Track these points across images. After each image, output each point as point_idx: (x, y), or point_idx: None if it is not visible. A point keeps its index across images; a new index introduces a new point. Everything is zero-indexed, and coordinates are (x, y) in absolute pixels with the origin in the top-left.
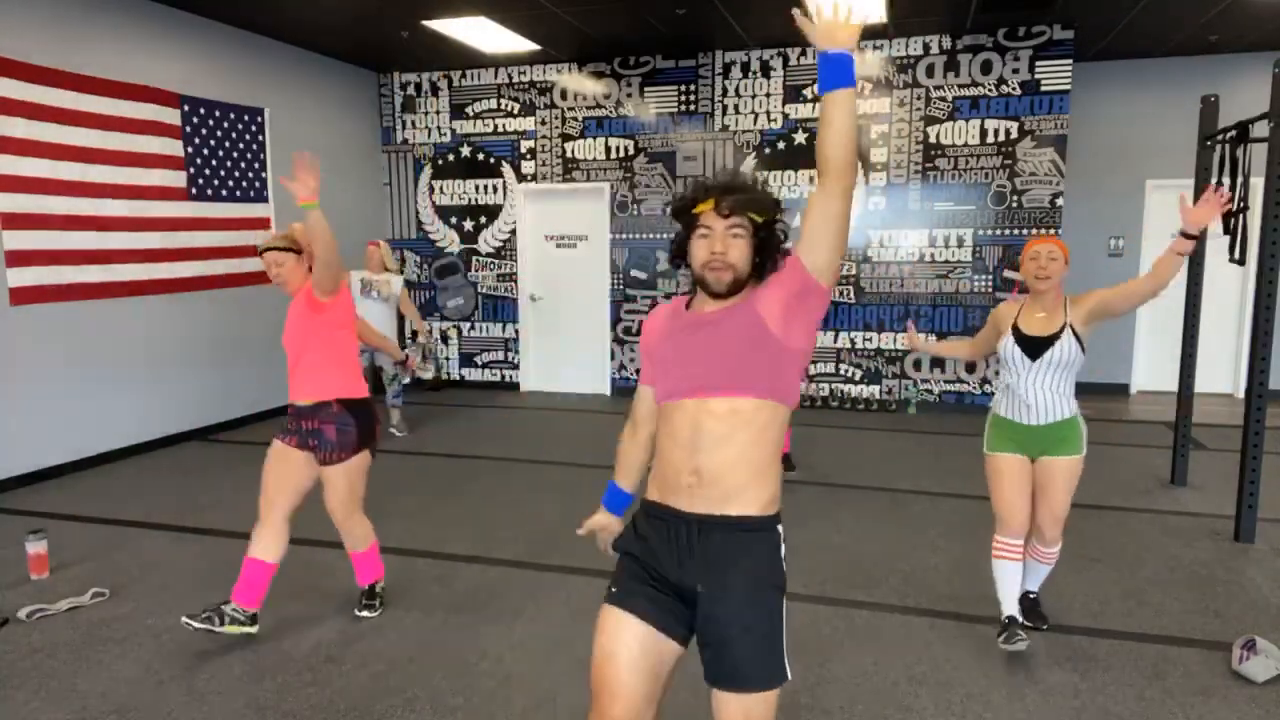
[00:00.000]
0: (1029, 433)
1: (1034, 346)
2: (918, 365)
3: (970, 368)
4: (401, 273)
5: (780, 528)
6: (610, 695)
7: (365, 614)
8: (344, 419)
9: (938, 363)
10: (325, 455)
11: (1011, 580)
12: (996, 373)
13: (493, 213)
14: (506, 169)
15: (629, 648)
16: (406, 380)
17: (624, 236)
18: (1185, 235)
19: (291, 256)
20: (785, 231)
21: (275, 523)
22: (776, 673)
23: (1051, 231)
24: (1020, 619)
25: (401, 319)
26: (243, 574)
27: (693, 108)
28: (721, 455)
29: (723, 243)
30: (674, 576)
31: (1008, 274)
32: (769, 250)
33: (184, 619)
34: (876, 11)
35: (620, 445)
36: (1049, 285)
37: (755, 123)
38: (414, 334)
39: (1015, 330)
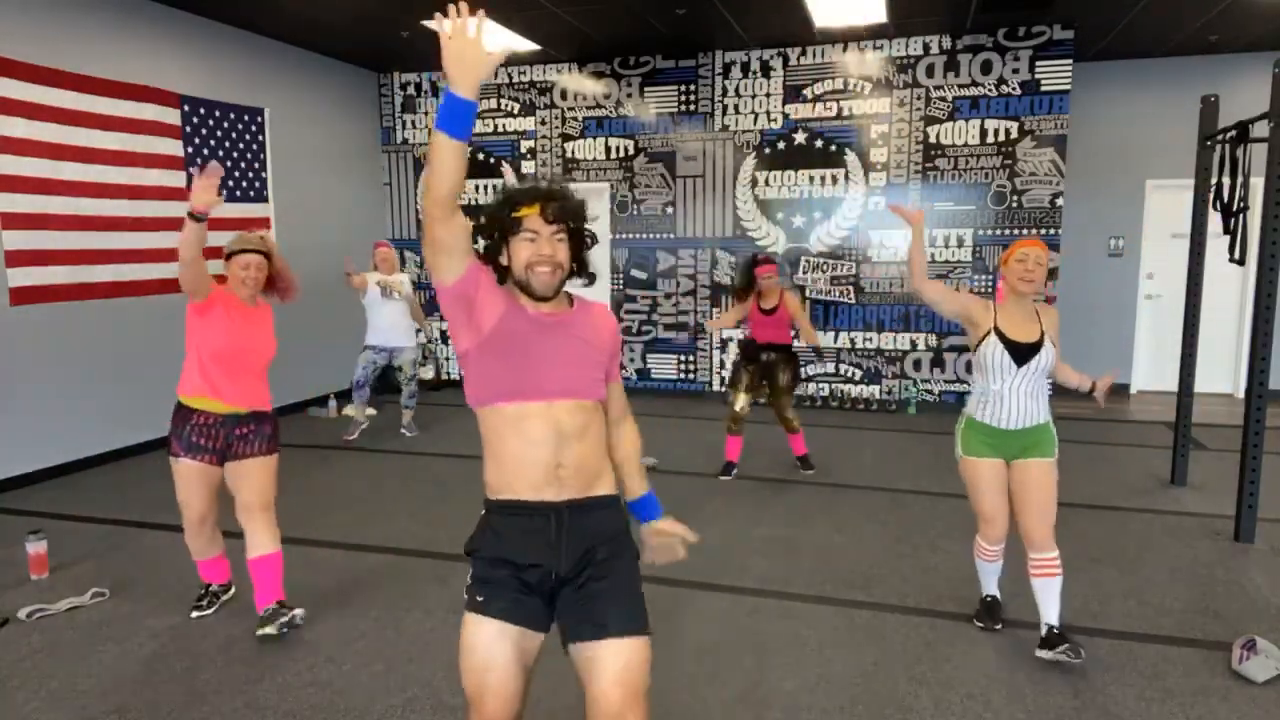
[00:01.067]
0: (1006, 437)
1: (1021, 352)
2: (917, 365)
3: (968, 366)
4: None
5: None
6: (493, 696)
7: (296, 621)
8: (274, 418)
9: (937, 363)
10: (262, 446)
11: (992, 572)
12: (967, 368)
13: None
14: (506, 169)
15: (504, 654)
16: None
17: (624, 236)
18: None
19: (266, 264)
20: (594, 237)
21: (210, 533)
22: (646, 623)
23: (1051, 232)
24: (1000, 601)
25: None
26: (202, 569)
27: (693, 108)
28: (583, 447)
29: (550, 245)
30: (548, 564)
31: None
32: (582, 253)
33: (194, 615)
34: (876, 11)
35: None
36: (1032, 289)
37: (755, 123)
38: (416, 333)
39: (999, 334)
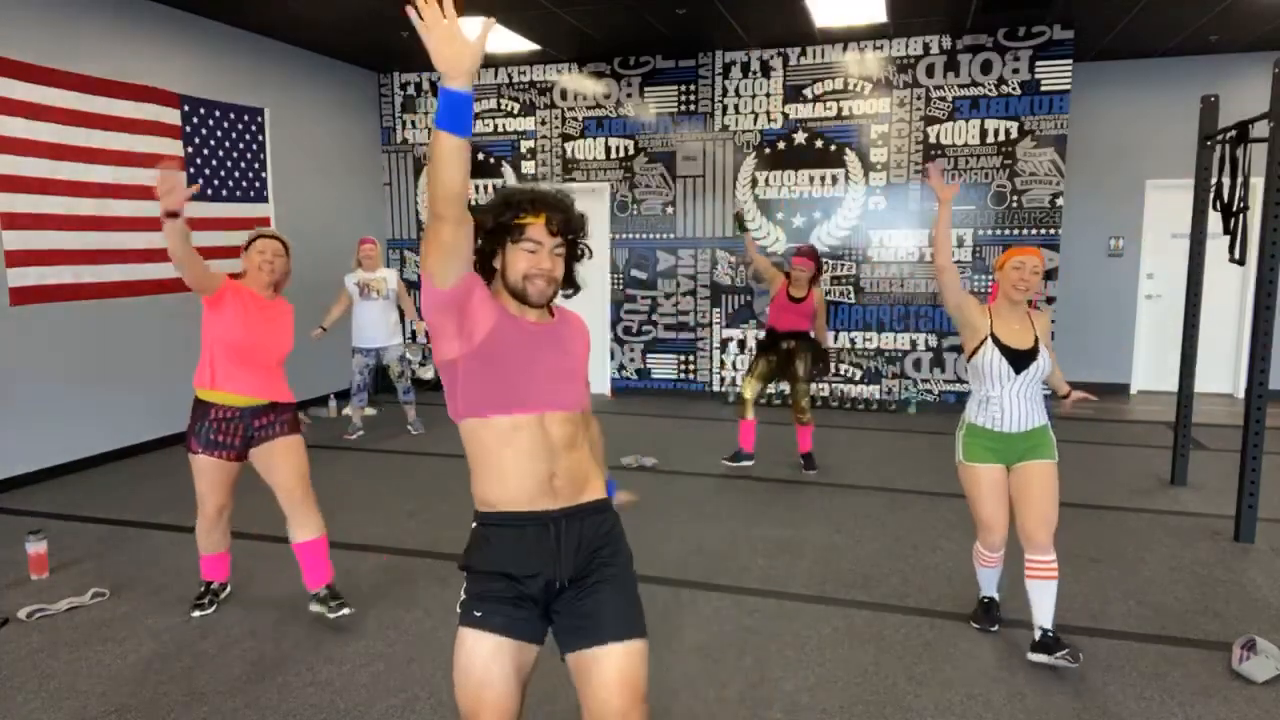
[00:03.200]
0: (1007, 441)
1: (1018, 359)
2: (917, 365)
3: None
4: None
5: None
6: (490, 714)
7: (342, 613)
8: (293, 409)
9: (937, 363)
10: (284, 428)
11: (991, 576)
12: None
13: None
14: (506, 169)
15: (502, 668)
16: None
17: (624, 236)
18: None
19: (285, 256)
20: (590, 251)
21: (224, 529)
22: (643, 627)
23: (1051, 232)
24: (998, 602)
25: (402, 315)
26: (205, 566)
27: (693, 108)
28: (573, 455)
29: (550, 259)
30: (547, 574)
31: None
32: (572, 266)
33: (195, 614)
34: (876, 11)
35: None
36: (1026, 296)
37: (755, 123)
38: (414, 334)
39: (996, 341)
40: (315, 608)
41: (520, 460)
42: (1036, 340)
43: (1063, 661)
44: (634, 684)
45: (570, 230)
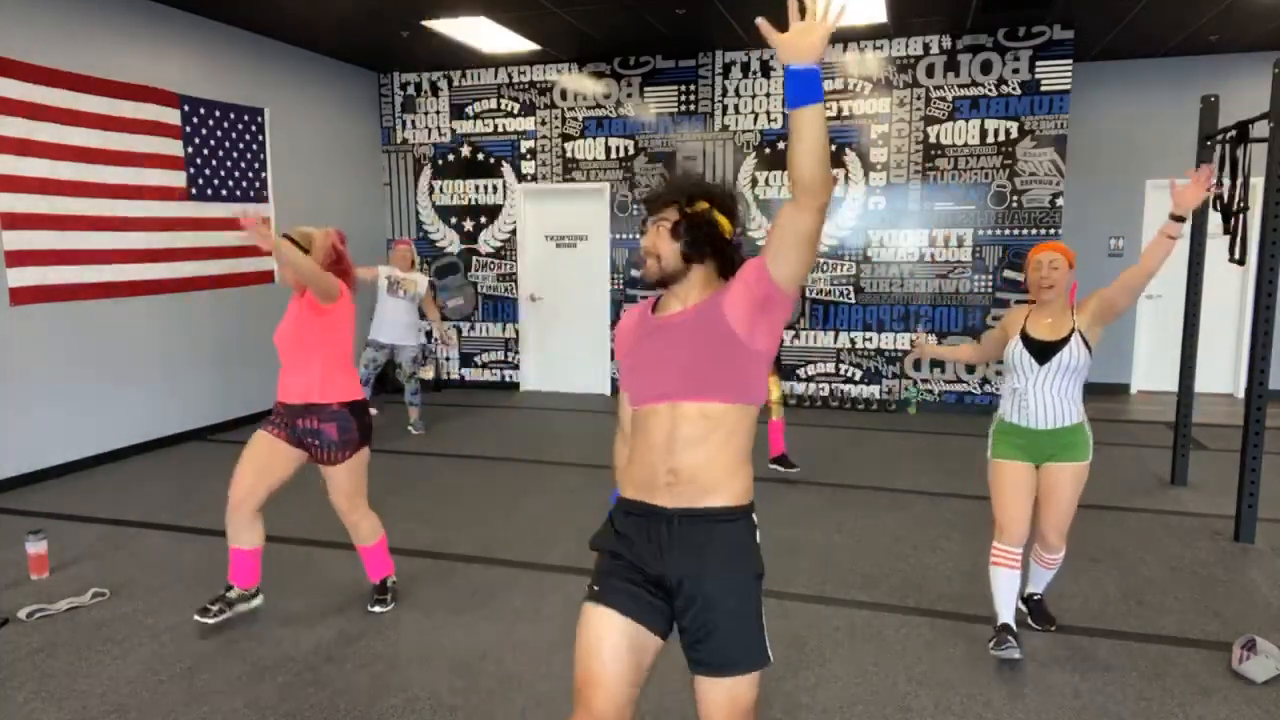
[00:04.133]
0: (1035, 438)
1: (1041, 350)
2: (917, 365)
3: (970, 368)
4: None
5: (754, 516)
6: (595, 686)
7: (377, 609)
8: (345, 418)
9: (938, 363)
10: (328, 455)
11: (1009, 588)
12: (999, 373)
13: (493, 213)
14: (506, 169)
15: (613, 642)
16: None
17: (624, 236)
18: (1174, 218)
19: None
20: (714, 219)
21: (249, 514)
22: (760, 655)
23: (1051, 232)
24: (1015, 628)
25: (422, 316)
26: (233, 563)
27: (693, 108)
28: (696, 456)
29: (653, 237)
30: (655, 570)
31: (1008, 274)
32: (693, 239)
33: (197, 618)
34: (876, 11)
35: (616, 452)
36: (1053, 294)
37: (755, 123)
38: (428, 334)
39: (1023, 334)
40: (372, 602)
41: (640, 448)
42: (1071, 333)
43: (1037, 626)
44: (741, 715)
45: (662, 206)
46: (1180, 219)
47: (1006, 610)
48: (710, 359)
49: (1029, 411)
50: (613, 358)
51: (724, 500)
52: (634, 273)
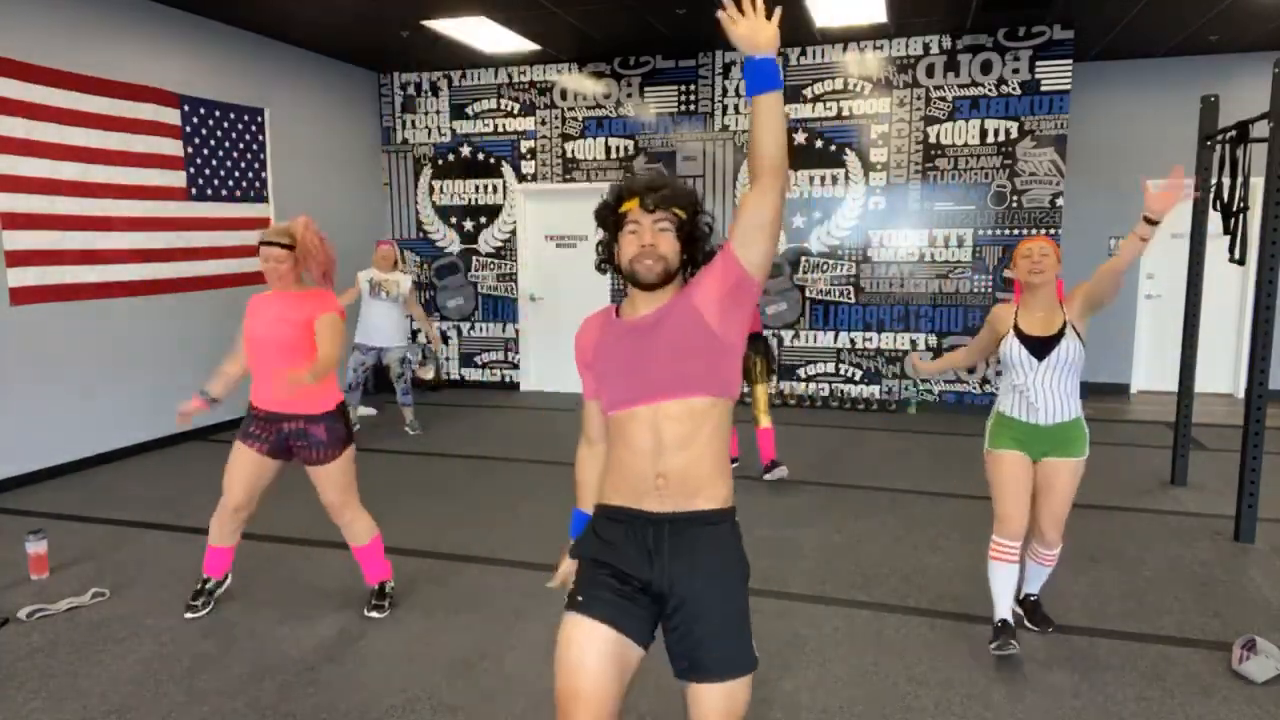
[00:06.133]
0: (1034, 432)
1: (1039, 346)
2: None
3: (970, 369)
4: (406, 271)
5: (737, 519)
6: (581, 700)
7: (374, 614)
8: (331, 419)
9: None
10: (317, 455)
11: (1007, 583)
12: (998, 373)
13: (493, 213)
14: (506, 169)
15: (597, 656)
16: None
17: None
18: (1147, 220)
19: (290, 255)
20: (710, 225)
21: (240, 521)
22: (750, 658)
23: (1051, 231)
24: (1013, 624)
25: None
26: (210, 559)
27: (693, 108)
28: (685, 455)
29: (652, 235)
30: (644, 576)
31: (1008, 273)
32: (695, 244)
33: (188, 616)
34: (876, 11)
35: (578, 465)
36: (1044, 279)
37: None
38: (414, 334)
39: (1018, 331)
40: (368, 607)
41: (623, 455)
42: (1064, 327)
43: (1034, 628)
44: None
45: (671, 204)
46: (1153, 222)
47: (1004, 606)
48: (690, 353)
49: (1034, 408)
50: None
51: (712, 503)
52: None
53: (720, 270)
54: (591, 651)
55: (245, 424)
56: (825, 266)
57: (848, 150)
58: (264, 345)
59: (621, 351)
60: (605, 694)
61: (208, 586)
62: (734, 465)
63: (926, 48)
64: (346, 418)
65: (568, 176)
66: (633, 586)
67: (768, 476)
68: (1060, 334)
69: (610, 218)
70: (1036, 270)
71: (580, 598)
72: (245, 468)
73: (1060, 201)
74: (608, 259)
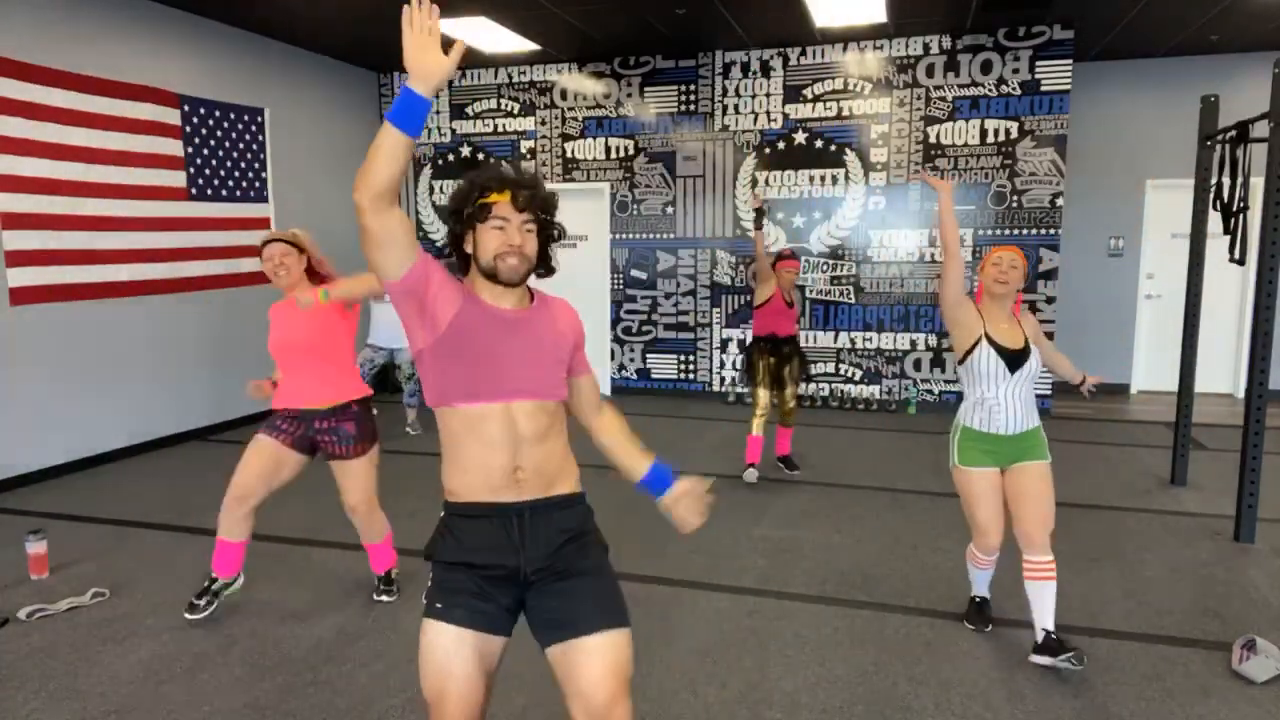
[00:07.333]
0: (1002, 443)
1: (1012, 359)
2: (917, 365)
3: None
4: None
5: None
6: (451, 701)
7: (385, 598)
8: (361, 413)
9: (937, 363)
10: (347, 449)
11: (985, 575)
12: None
13: None
14: (506, 169)
15: (464, 660)
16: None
17: (624, 236)
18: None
19: (295, 250)
20: (562, 231)
21: (246, 513)
22: (626, 615)
23: (1051, 231)
24: (990, 604)
25: None
26: (219, 554)
27: (693, 108)
28: (541, 450)
29: (520, 235)
30: (510, 564)
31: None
32: (547, 248)
33: (187, 615)
34: (876, 11)
35: (598, 437)
36: (1006, 290)
37: (755, 123)
38: None
39: (991, 341)
40: (377, 592)
41: (484, 450)
42: (1027, 341)
43: (1066, 664)
44: (620, 673)
45: (538, 206)
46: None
47: (981, 586)
48: (553, 363)
49: (999, 419)
50: (612, 357)
51: (568, 488)
52: (634, 273)
53: (576, 329)
54: (457, 656)
55: (271, 420)
56: (825, 266)
57: (848, 150)
58: (292, 349)
59: (484, 336)
60: (474, 692)
61: (214, 587)
62: (753, 470)
63: (926, 48)
64: (372, 414)
65: (568, 176)
66: (493, 579)
67: (779, 464)
68: (1027, 348)
69: (469, 209)
70: (1002, 280)
71: (439, 605)
72: (261, 456)
73: (1060, 201)
74: (455, 249)
